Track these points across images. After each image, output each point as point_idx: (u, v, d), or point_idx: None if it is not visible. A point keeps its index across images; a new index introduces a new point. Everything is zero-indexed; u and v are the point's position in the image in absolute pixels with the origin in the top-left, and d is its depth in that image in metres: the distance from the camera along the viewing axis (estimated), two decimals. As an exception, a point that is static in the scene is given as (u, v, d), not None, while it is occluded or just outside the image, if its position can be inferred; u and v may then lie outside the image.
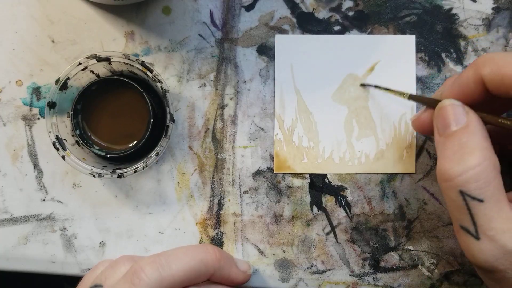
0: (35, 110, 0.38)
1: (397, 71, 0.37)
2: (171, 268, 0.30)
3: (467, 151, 0.26)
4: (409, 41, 0.38)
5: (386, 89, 0.36)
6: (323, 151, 0.38)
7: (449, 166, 0.26)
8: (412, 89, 0.37)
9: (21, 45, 0.38)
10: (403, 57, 0.37)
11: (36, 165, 0.38)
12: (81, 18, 0.38)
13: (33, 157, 0.38)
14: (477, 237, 0.26)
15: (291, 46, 0.38)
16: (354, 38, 0.38)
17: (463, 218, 0.26)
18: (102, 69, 0.36)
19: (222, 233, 0.38)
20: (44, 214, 0.38)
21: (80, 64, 0.34)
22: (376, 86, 0.37)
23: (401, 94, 0.35)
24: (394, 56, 0.38)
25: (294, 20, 0.38)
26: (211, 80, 0.38)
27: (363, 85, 0.37)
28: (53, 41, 0.38)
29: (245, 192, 0.38)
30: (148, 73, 0.34)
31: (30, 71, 0.38)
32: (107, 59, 0.34)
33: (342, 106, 0.38)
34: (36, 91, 0.38)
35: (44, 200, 0.38)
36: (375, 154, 0.38)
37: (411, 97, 0.34)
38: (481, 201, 0.25)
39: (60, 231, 0.38)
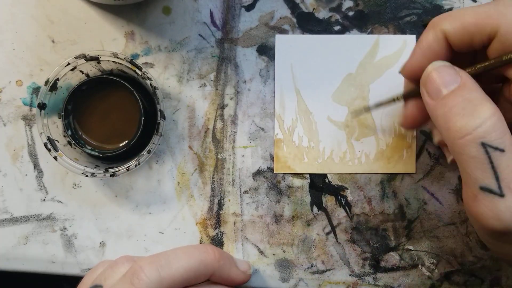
0: (35, 110, 0.38)
1: (397, 71, 0.37)
2: (170, 268, 0.30)
3: (477, 103, 0.25)
4: (410, 40, 0.38)
5: (377, 105, 0.35)
6: (323, 151, 0.38)
7: (464, 121, 0.25)
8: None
9: (21, 45, 0.38)
10: (403, 57, 0.37)
11: (36, 165, 0.38)
12: (81, 18, 0.38)
13: (33, 157, 0.38)
14: (501, 194, 0.24)
15: (291, 46, 0.38)
16: (354, 38, 0.38)
17: (485, 175, 0.25)
18: (91, 69, 0.36)
19: (222, 233, 0.38)
20: (44, 214, 0.38)
21: (68, 64, 0.34)
22: (365, 109, 0.37)
23: (394, 100, 0.33)
24: (395, 56, 0.38)
25: (294, 20, 0.38)
26: (211, 80, 0.38)
27: (355, 112, 0.37)
28: (53, 41, 0.38)
29: (245, 192, 0.38)
30: (137, 71, 0.34)
31: (30, 71, 0.38)
32: (96, 59, 0.34)
33: (342, 106, 0.38)
34: (36, 91, 0.38)
35: (44, 200, 0.38)
36: (375, 154, 0.38)
37: (405, 96, 0.33)
38: (502, 151, 0.24)
39: (60, 231, 0.38)
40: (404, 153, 0.38)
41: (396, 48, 0.38)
